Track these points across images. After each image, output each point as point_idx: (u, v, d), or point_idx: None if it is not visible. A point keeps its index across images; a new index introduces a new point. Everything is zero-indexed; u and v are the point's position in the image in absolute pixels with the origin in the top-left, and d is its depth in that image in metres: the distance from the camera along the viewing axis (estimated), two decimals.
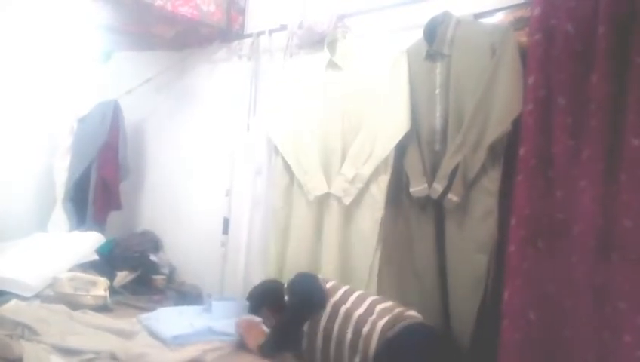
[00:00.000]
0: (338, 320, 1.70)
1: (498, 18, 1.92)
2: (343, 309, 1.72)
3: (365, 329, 1.65)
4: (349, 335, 1.67)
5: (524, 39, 1.79)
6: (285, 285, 1.92)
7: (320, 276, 1.94)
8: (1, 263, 2.39)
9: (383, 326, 1.65)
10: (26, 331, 1.66)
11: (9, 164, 3.13)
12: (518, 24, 1.83)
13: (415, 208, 2.00)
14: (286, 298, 1.88)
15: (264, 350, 1.80)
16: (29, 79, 3.17)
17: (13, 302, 2.05)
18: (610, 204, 1.57)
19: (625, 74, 1.56)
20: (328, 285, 1.84)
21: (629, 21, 1.56)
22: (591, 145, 1.60)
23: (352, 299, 1.76)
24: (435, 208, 1.95)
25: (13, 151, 3.15)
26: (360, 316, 1.69)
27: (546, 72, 1.69)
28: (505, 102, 1.78)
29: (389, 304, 1.76)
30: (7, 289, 2.18)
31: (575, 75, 1.64)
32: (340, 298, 1.77)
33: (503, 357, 1.68)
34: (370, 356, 1.62)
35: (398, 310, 1.72)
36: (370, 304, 1.74)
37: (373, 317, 1.68)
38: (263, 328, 1.93)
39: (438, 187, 1.90)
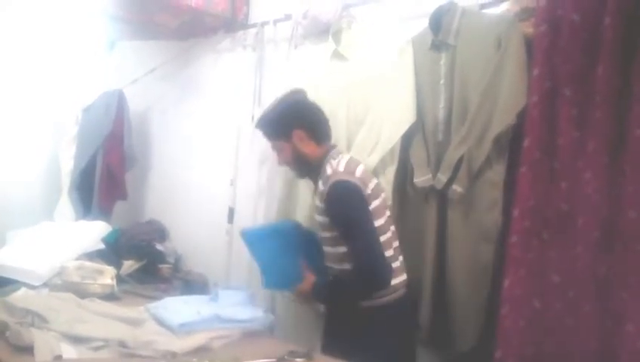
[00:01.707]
0: None
1: (504, 8, 1.92)
2: None
3: None
4: None
5: (529, 30, 1.78)
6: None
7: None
8: (10, 252, 2.42)
9: None
10: (35, 319, 1.68)
11: (15, 154, 3.15)
12: (524, 15, 1.83)
13: (419, 198, 2.02)
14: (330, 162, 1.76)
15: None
16: (34, 69, 3.17)
17: (23, 291, 2.07)
18: (614, 196, 1.58)
19: (631, 65, 1.56)
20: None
21: (636, 12, 1.56)
22: (596, 137, 1.61)
23: None
24: (437, 199, 1.96)
25: (19, 141, 3.17)
26: None
27: (551, 63, 1.69)
28: (510, 95, 1.78)
29: None
30: (16, 278, 2.20)
31: (581, 67, 1.64)
32: None
33: (504, 344, 1.70)
34: None
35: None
36: None
37: None
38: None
39: (443, 178, 1.91)
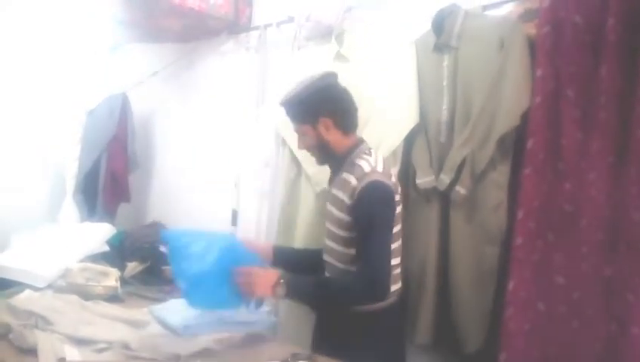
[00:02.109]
0: None
1: (507, 10, 1.92)
2: None
3: None
4: None
5: (533, 31, 1.78)
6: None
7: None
8: (14, 254, 2.42)
9: None
10: (39, 321, 1.68)
11: (19, 156, 3.16)
12: (527, 16, 1.83)
13: (421, 200, 2.01)
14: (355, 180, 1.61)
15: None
16: (38, 72, 3.18)
17: (27, 293, 2.08)
18: (619, 197, 1.58)
19: (635, 66, 1.56)
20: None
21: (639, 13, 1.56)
22: (600, 138, 1.61)
23: None
24: (440, 200, 1.96)
25: (24, 143, 3.18)
26: None
27: (554, 64, 1.69)
28: (513, 96, 1.78)
29: None
30: (20, 280, 2.20)
31: (584, 68, 1.64)
32: None
33: (508, 346, 1.69)
34: None
35: None
36: None
37: None
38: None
39: (445, 179, 1.90)
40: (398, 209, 1.68)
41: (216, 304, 1.64)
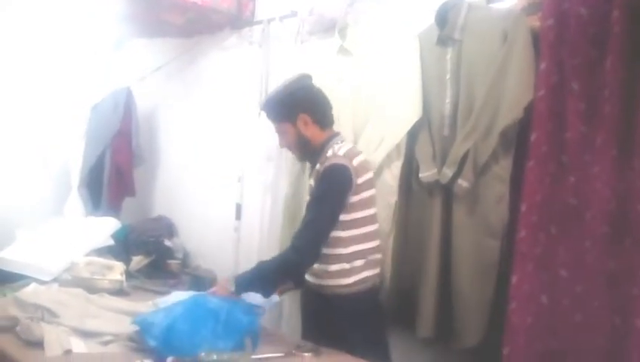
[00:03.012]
0: None
1: (510, 2, 1.91)
2: None
3: None
4: None
5: (536, 24, 1.77)
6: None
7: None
8: (20, 248, 2.45)
9: None
10: (45, 314, 1.70)
11: (24, 151, 3.18)
12: (531, 8, 1.81)
13: (424, 194, 2.01)
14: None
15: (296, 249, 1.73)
16: (42, 68, 3.20)
17: (33, 286, 2.10)
18: (623, 190, 1.57)
19: (639, 58, 1.55)
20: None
21: None
22: (604, 131, 1.60)
23: None
24: (443, 194, 1.95)
25: (28, 139, 3.20)
26: None
27: (558, 57, 1.68)
28: (516, 89, 1.77)
29: None
30: (27, 274, 2.23)
31: (588, 60, 1.63)
32: None
33: (511, 341, 1.69)
34: None
35: None
36: None
37: None
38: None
39: (448, 172, 1.90)
40: (369, 193, 1.80)
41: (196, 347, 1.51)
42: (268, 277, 1.78)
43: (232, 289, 1.76)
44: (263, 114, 1.95)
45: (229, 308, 1.59)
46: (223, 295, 1.74)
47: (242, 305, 1.67)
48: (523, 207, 1.71)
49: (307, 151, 1.87)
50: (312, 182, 1.86)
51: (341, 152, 1.78)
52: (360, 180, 1.77)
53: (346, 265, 1.77)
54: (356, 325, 1.76)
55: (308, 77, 1.92)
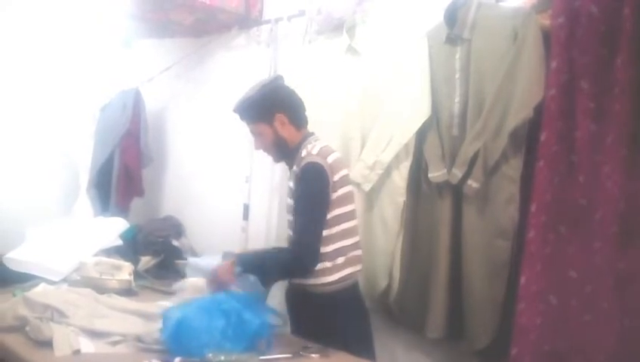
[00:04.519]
0: None
1: (520, 0, 1.89)
2: None
3: None
4: None
5: (547, 22, 1.75)
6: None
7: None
8: (29, 249, 2.46)
9: None
10: (54, 314, 1.70)
11: (34, 152, 3.20)
12: (541, 6, 1.80)
13: (433, 194, 2.00)
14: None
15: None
16: (51, 68, 3.22)
17: (42, 286, 2.11)
18: (633, 189, 1.55)
19: None
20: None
21: None
22: (615, 130, 1.58)
23: None
24: (452, 194, 1.94)
25: (38, 139, 3.22)
26: None
27: (569, 55, 1.66)
28: (527, 88, 1.75)
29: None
30: (36, 274, 2.24)
31: (599, 59, 1.62)
32: None
33: (520, 341, 1.68)
34: None
35: None
36: None
37: None
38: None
39: (458, 173, 1.89)
40: (345, 189, 1.80)
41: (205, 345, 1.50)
42: (269, 272, 1.80)
43: (236, 270, 1.78)
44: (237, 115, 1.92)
45: (241, 310, 1.59)
46: (227, 275, 1.78)
47: (255, 307, 1.67)
48: (533, 207, 1.70)
49: (284, 151, 1.87)
50: (291, 184, 1.86)
51: (315, 151, 1.78)
52: (336, 177, 1.77)
53: (328, 264, 1.77)
54: (341, 322, 1.78)
55: (281, 77, 1.94)
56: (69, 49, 3.26)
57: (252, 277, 1.83)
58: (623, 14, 1.56)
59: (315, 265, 1.75)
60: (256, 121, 1.85)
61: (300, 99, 1.89)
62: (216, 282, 1.80)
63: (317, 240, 1.74)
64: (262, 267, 1.81)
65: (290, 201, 1.85)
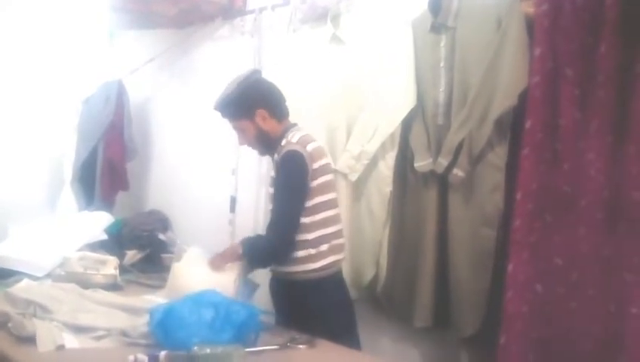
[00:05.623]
0: None
1: None
2: None
3: None
4: None
5: (530, 10, 1.75)
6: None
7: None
8: (13, 244, 2.42)
9: None
10: (38, 309, 1.68)
11: (16, 147, 3.15)
12: None
13: (419, 183, 2.00)
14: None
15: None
16: (34, 61, 3.16)
17: (25, 282, 2.08)
18: (618, 176, 1.56)
19: (634, 44, 1.53)
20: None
21: None
22: (599, 117, 1.59)
23: None
24: (438, 183, 1.94)
25: (20, 134, 3.17)
26: None
27: (553, 43, 1.66)
28: (511, 76, 1.75)
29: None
30: (19, 270, 2.21)
31: (583, 46, 1.62)
32: None
33: (508, 329, 1.69)
34: None
35: None
36: None
37: None
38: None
39: (443, 162, 1.89)
40: (325, 178, 1.81)
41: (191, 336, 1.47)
42: (258, 256, 1.84)
43: (240, 251, 1.81)
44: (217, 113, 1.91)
45: (230, 303, 1.59)
46: (231, 257, 1.81)
47: (242, 301, 1.68)
48: (518, 195, 1.70)
49: (268, 144, 1.87)
50: (272, 173, 1.88)
51: (294, 140, 1.80)
52: (315, 165, 1.78)
53: (312, 251, 1.78)
54: (325, 309, 1.79)
55: (258, 72, 1.95)
56: (51, 41, 3.21)
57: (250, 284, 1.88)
58: (606, 2, 1.56)
59: (287, 252, 1.78)
60: (237, 119, 1.86)
61: (279, 92, 1.88)
62: (219, 260, 1.83)
63: (292, 226, 1.76)
64: (255, 250, 1.82)
65: (272, 190, 1.86)
